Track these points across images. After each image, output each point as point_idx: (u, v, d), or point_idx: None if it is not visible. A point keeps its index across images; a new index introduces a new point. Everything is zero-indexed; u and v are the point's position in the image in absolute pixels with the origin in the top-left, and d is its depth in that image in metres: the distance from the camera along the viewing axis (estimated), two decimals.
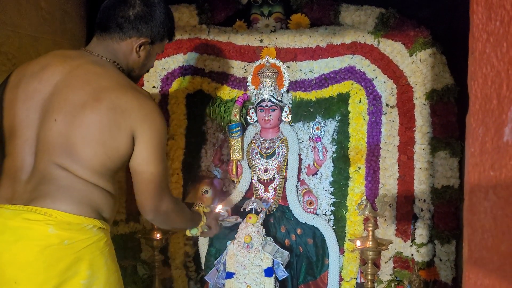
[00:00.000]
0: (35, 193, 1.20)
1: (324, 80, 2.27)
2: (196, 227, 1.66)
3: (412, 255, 2.18)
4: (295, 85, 2.33)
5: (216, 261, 2.13)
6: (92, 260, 1.20)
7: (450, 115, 2.06)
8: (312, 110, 2.31)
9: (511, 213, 0.42)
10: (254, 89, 2.34)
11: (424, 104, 2.11)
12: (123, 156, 1.27)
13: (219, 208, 1.91)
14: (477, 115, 0.52)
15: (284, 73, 2.30)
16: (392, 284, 2.20)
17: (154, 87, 2.30)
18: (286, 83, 2.30)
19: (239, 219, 1.95)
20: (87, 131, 1.21)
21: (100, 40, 1.37)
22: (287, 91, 2.34)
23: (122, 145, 1.24)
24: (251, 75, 2.33)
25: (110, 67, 1.34)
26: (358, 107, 2.21)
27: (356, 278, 2.22)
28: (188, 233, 1.72)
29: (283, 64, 2.29)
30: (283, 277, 2.01)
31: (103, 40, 1.37)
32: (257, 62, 2.32)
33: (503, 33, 0.43)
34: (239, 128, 2.28)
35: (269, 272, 1.96)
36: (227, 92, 2.35)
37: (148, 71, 1.60)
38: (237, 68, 2.35)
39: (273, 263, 1.98)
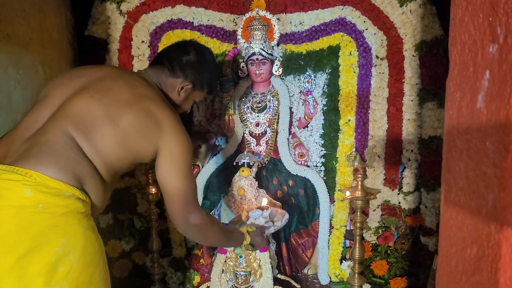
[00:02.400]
0: (25, 154, 1.19)
1: (315, 33, 2.25)
2: (239, 246, 1.66)
3: (399, 202, 2.27)
4: (285, 38, 2.31)
5: (210, 213, 2.21)
6: (68, 229, 1.16)
7: (438, 66, 2.08)
8: (302, 63, 2.31)
9: (480, 174, 0.46)
10: (244, 42, 2.32)
11: (413, 56, 2.12)
12: (134, 158, 1.35)
13: (264, 204, 1.89)
14: (456, 80, 0.55)
15: (274, 25, 2.27)
16: (380, 231, 2.31)
17: (143, 41, 2.27)
18: (276, 36, 2.28)
19: (286, 215, 1.89)
20: (118, 122, 1.30)
21: (152, 69, 1.56)
22: (278, 44, 2.33)
23: (142, 149, 1.34)
24: (241, 28, 2.30)
25: (155, 86, 1.51)
26: (348, 60, 2.21)
27: (345, 226, 2.31)
28: (232, 252, 1.75)
29: (273, 16, 2.26)
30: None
31: (154, 69, 1.55)
32: (247, 15, 2.29)
33: (480, 4, 0.45)
34: (230, 83, 2.29)
35: None
36: (217, 46, 2.33)
37: (180, 113, 1.66)
38: (227, 21, 2.32)
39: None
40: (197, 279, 2.26)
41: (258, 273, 2.04)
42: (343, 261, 2.30)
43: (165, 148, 1.36)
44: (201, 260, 2.32)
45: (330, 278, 2.29)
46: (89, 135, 1.27)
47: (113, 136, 1.29)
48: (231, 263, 2.05)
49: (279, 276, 2.18)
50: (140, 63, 2.28)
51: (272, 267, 2.07)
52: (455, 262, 0.54)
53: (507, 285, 0.41)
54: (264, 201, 1.93)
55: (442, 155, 0.61)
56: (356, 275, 2.05)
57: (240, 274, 2.03)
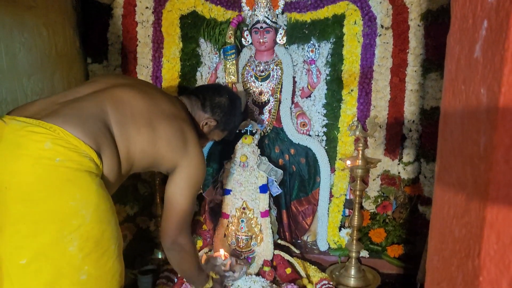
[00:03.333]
0: (54, 112, 1.24)
1: (320, 1, 2.24)
2: (201, 287, 1.72)
3: (399, 172, 2.30)
4: (290, 6, 2.30)
5: (213, 180, 2.25)
6: (83, 184, 1.20)
7: (443, 36, 2.05)
8: (307, 32, 2.30)
9: (474, 120, 0.48)
10: (249, 10, 2.31)
11: (418, 25, 2.11)
12: (154, 161, 1.43)
13: (222, 253, 1.95)
14: (456, 34, 0.56)
15: None
16: (379, 200, 2.35)
17: (147, 7, 2.27)
18: (281, 3, 2.28)
19: (244, 268, 1.93)
20: (155, 125, 1.39)
21: (187, 98, 1.69)
22: (282, 12, 2.32)
23: (165, 158, 1.44)
24: None
25: (188, 113, 1.64)
26: (353, 29, 2.20)
27: (345, 195, 2.35)
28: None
29: None
30: (277, 193, 2.14)
31: (189, 99, 1.69)
32: None
33: None
34: (234, 51, 2.29)
35: (263, 189, 2.08)
36: (221, 13, 2.33)
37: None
38: None
39: (267, 180, 2.09)
40: (199, 243, 2.32)
41: (259, 237, 2.10)
42: (341, 228, 2.35)
43: (185, 166, 1.47)
44: (204, 226, 2.38)
45: (328, 244, 2.35)
46: (125, 119, 1.34)
47: (147, 132, 1.38)
48: (233, 228, 2.11)
49: (279, 241, 2.23)
50: (144, 29, 2.28)
51: (272, 232, 2.13)
52: (447, 207, 0.57)
53: (493, 220, 0.44)
54: (222, 251, 1.98)
55: (440, 109, 0.63)
56: (354, 242, 2.11)
57: (241, 238, 2.08)
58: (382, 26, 2.18)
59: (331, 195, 2.35)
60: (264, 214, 2.09)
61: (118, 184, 1.41)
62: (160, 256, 2.26)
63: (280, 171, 2.10)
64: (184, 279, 1.90)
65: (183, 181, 1.47)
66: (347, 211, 2.39)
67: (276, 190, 2.12)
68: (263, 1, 2.24)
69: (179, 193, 1.47)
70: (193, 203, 1.54)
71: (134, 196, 2.39)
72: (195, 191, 1.52)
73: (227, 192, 2.12)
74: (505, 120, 0.41)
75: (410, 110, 2.22)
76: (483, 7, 0.46)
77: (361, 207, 2.25)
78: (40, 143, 1.16)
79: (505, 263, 0.45)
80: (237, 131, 2.17)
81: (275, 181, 2.09)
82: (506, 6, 0.40)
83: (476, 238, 0.47)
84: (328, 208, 2.34)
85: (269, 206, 2.12)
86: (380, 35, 2.19)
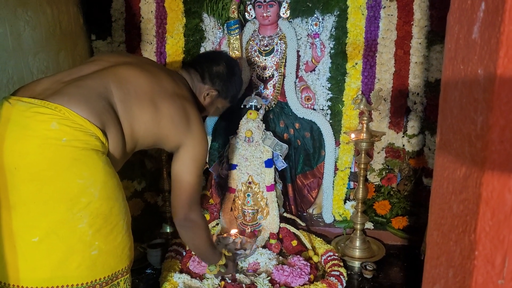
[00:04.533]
0: (60, 91, 1.26)
1: None
2: (214, 264, 1.75)
3: (403, 145, 2.32)
4: None
5: (219, 155, 2.28)
6: (89, 163, 1.23)
7: (448, 7, 2.04)
8: (310, 5, 2.28)
9: (472, 100, 0.50)
10: None
11: None
12: (159, 139, 1.46)
13: (233, 232, 2.00)
14: (455, 13, 0.57)
15: None
16: (384, 172, 2.38)
17: None
18: None
19: (255, 245, 1.97)
20: (159, 104, 1.41)
21: (186, 71, 1.71)
22: None
23: (169, 137, 1.47)
24: None
25: (188, 87, 1.66)
26: (357, 1, 2.18)
27: (350, 168, 2.38)
28: (207, 271, 1.81)
29: None
30: (282, 168, 2.17)
31: (188, 72, 1.71)
32: None
33: None
34: (237, 25, 2.28)
35: (269, 163, 2.11)
36: None
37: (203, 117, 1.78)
38: None
39: (272, 155, 2.12)
40: (207, 217, 2.37)
41: (265, 211, 2.14)
42: (346, 201, 2.39)
43: (189, 145, 1.50)
44: (210, 200, 2.42)
45: (334, 217, 2.39)
46: (129, 97, 1.36)
47: (150, 110, 1.40)
48: (239, 202, 2.15)
49: (285, 214, 2.28)
50: (147, 5, 2.28)
51: (278, 205, 2.17)
52: (447, 183, 0.59)
53: (488, 198, 0.47)
54: (233, 231, 2.03)
55: (441, 87, 0.64)
56: (359, 214, 2.15)
57: (248, 212, 2.13)
58: None
59: (336, 168, 2.38)
60: (270, 188, 2.13)
61: (124, 161, 1.45)
62: (168, 230, 2.32)
63: (285, 146, 2.12)
64: (195, 255, 1.95)
65: (188, 159, 1.50)
66: (352, 183, 2.42)
67: (281, 164, 2.14)
68: None
69: (185, 171, 1.51)
70: (200, 179, 1.57)
71: (141, 171, 2.43)
72: (200, 167, 1.55)
73: (233, 167, 2.15)
74: (501, 102, 0.43)
75: (414, 82, 2.22)
76: None
77: (366, 180, 2.28)
78: (46, 123, 1.18)
79: (500, 238, 0.47)
80: (242, 106, 2.18)
81: (280, 155, 2.11)
82: None
83: (473, 214, 0.50)
84: (333, 181, 2.37)
85: (275, 180, 2.15)
86: (384, 7, 2.17)
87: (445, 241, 0.59)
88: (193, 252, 1.97)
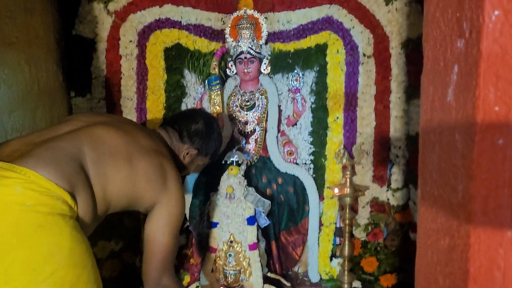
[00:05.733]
0: (28, 153, 1.20)
1: (302, 31, 2.26)
2: None
3: (388, 199, 2.28)
4: (273, 37, 2.32)
5: (199, 212, 2.21)
6: (55, 228, 1.16)
7: None
8: (290, 61, 2.32)
9: (450, 166, 0.47)
10: (233, 41, 2.32)
11: (399, 53, 2.13)
12: (133, 200, 1.40)
13: None
14: (429, 75, 0.56)
15: (262, 24, 2.28)
16: (369, 227, 2.32)
17: (131, 41, 2.26)
18: (264, 34, 2.29)
19: None
20: (134, 162, 1.37)
21: (164, 130, 1.68)
22: (266, 43, 2.33)
23: (144, 196, 1.41)
24: (229, 27, 2.31)
25: (167, 146, 1.62)
26: (335, 58, 2.22)
27: (335, 223, 2.32)
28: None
29: (261, 15, 2.27)
30: (265, 225, 2.10)
31: (166, 131, 1.68)
32: (235, 14, 2.29)
33: (449, 0, 0.46)
34: (218, 81, 2.29)
35: (251, 220, 2.05)
36: (205, 45, 2.33)
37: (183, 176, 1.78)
38: (215, 20, 2.32)
39: (255, 212, 2.06)
40: (186, 278, 2.26)
41: (247, 271, 2.05)
42: (333, 258, 2.31)
43: (164, 203, 1.44)
44: (191, 260, 2.32)
45: (320, 275, 2.30)
46: (103, 157, 1.32)
47: (125, 170, 1.35)
48: (221, 262, 2.06)
49: (269, 274, 2.18)
50: (128, 62, 2.28)
51: (261, 265, 2.08)
52: (431, 253, 0.55)
53: (476, 275, 0.42)
54: None
55: (419, 150, 0.62)
56: (346, 273, 2.07)
57: (229, 273, 2.03)
58: (364, 55, 2.20)
59: (321, 224, 2.32)
60: (253, 247, 2.05)
61: (95, 224, 1.38)
62: None
63: (267, 202, 2.07)
64: None
65: (163, 219, 1.43)
66: (337, 239, 2.35)
67: (264, 221, 2.08)
68: (247, 32, 2.25)
69: (159, 232, 1.42)
70: (176, 241, 1.48)
71: (119, 230, 2.33)
72: (176, 227, 1.47)
73: (214, 225, 2.08)
74: (481, 170, 0.40)
75: (395, 136, 2.22)
76: (452, 51, 0.46)
77: (352, 236, 2.22)
78: (10, 187, 1.12)
79: None
80: (223, 162, 2.15)
81: (263, 212, 2.05)
82: (474, 53, 0.39)
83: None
84: (318, 238, 2.31)
85: (258, 238, 2.08)
86: (362, 63, 2.21)
87: None
88: None
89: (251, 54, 2.25)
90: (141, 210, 1.49)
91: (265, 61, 2.31)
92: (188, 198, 2.32)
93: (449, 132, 0.47)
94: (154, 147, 1.49)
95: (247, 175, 2.19)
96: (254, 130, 2.34)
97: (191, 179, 2.30)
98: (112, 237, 2.29)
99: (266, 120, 2.33)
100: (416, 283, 0.62)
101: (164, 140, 1.64)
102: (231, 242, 2.05)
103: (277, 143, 2.34)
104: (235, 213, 2.03)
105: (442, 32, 0.49)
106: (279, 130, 2.37)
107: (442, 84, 0.49)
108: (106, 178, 1.32)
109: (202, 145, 1.72)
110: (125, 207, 1.45)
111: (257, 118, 2.33)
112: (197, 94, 2.42)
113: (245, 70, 2.27)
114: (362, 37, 2.18)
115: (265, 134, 2.34)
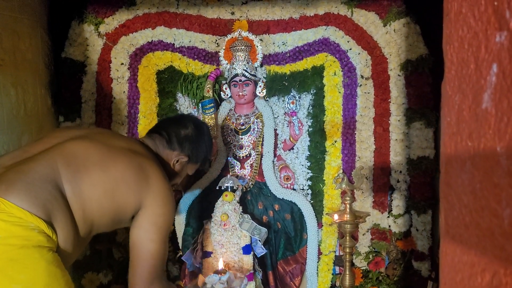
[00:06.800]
0: None
1: (298, 53, 2.22)
2: None
3: (389, 226, 2.19)
4: (268, 59, 2.27)
5: (193, 241, 2.11)
6: (28, 263, 1.06)
7: (424, 85, 2.05)
8: (286, 84, 2.27)
9: (491, 186, 0.39)
10: (227, 63, 2.27)
11: (398, 75, 2.09)
12: (116, 213, 1.28)
13: (221, 266, 1.82)
14: (453, 81, 0.48)
15: (257, 46, 2.24)
16: (370, 256, 2.22)
17: (122, 64, 2.21)
18: (259, 56, 2.24)
19: (245, 280, 1.81)
20: (110, 169, 1.26)
21: (149, 138, 1.54)
22: (261, 65, 2.29)
23: (126, 203, 1.28)
24: (223, 49, 2.26)
25: (152, 153, 1.48)
26: (333, 80, 2.17)
27: (334, 251, 2.22)
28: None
29: (256, 37, 2.23)
30: (262, 254, 2.00)
31: (152, 139, 1.53)
32: (229, 36, 2.25)
33: None
34: (212, 105, 2.22)
35: (247, 249, 1.94)
36: (199, 68, 2.28)
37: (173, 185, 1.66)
38: (209, 42, 2.27)
39: (251, 240, 1.96)
40: None
41: None
42: None
43: (149, 206, 1.29)
44: None
45: None
46: (78, 175, 1.21)
47: (102, 182, 1.23)
48: None
49: None
50: (119, 85, 2.21)
51: None
52: None
53: None
54: (221, 263, 1.83)
55: (440, 168, 0.54)
56: None
57: None
58: (362, 77, 2.15)
59: (320, 253, 2.22)
60: (249, 278, 1.93)
61: (80, 249, 1.26)
62: None
63: (264, 230, 1.98)
64: None
65: (149, 223, 1.28)
66: (337, 269, 2.24)
67: (260, 250, 1.98)
68: (241, 54, 2.20)
69: (145, 237, 1.27)
70: (165, 246, 1.32)
71: (108, 262, 2.22)
72: (164, 232, 1.31)
73: (208, 254, 1.98)
74: None
75: (396, 160, 2.15)
76: (489, 48, 0.38)
77: (352, 265, 2.12)
78: None
79: None
80: (217, 188, 2.06)
81: (259, 240, 1.95)
82: None
83: None
84: (317, 267, 2.20)
85: (254, 269, 1.97)
86: (360, 85, 2.16)
87: None
88: None
89: (246, 76, 2.20)
90: (128, 223, 1.34)
91: (260, 83, 2.26)
92: (181, 226, 2.22)
93: (486, 146, 0.39)
94: (131, 148, 1.36)
95: (242, 201, 2.10)
96: (250, 154, 2.26)
97: (184, 206, 2.20)
98: (101, 269, 2.17)
99: (262, 145, 2.26)
100: None
101: (149, 147, 1.50)
102: None
103: (274, 168, 2.26)
104: (230, 242, 1.93)
105: (471, 29, 0.42)
106: (275, 155, 2.30)
107: (473, 90, 0.42)
108: (83, 197, 1.20)
109: (192, 151, 1.57)
110: (110, 225, 1.32)
111: (252, 142, 2.26)
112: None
113: (240, 93, 2.21)
114: (360, 59, 2.13)
115: (261, 159, 2.26)
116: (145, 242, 1.27)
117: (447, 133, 0.50)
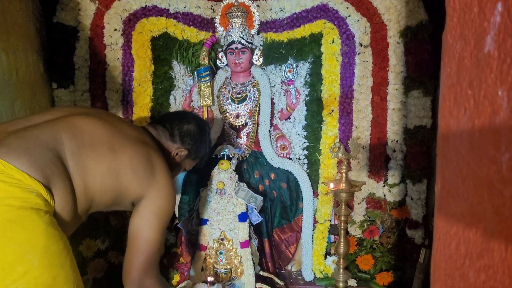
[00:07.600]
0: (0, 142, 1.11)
1: (296, 20, 2.17)
2: None
3: (385, 195, 2.20)
4: (265, 26, 2.22)
5: (189, 209, 2.11)
6: (27, 224, 1.05)
7: (424, 53, 2.01)
8: (284, 52, 2.22)
9: (490, 133, 0.37)
10: (223, 30, 2.22)
11: (398, 43, 2.05)
12: (117, 195, 1.29)
13: (210, 280, 1.84)
14: (455, 29, 0.46)
15: (254, 13, 2.18)
16: (365, 224, 2.24)
17: (116, 29, 2.16)
18: (256, 23, 2.20)
19: None
20: (118, 151, 1.27)
21: (153, 128, 1.57)
22: (258, 32, 2.24)
23: (129, 188, 1.30)
24: (219, 15, 2.21)
25: (156, 142, 1.52)
26: (331, 48, 2.13)
27: (330, 220, 2.23)
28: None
29: (252, 3, 2.18)
30: (258, 222, 2.01)
31: (155, 129, 1.57)
32: (225, 1, 2.19)
33: None
34: (208, 72, 2.19)
35: (243, 217, 1.95)
36: (194, 34, 2.23)
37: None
38: (204, 8, 2.22)
39: (247, 208, 1.97)
40: (176, 278, 2.15)
41: (239, 270, 1.96)
42: (327, 256, 2.23)
43: (152, 196, 1.33)
44: (181, 259, 2.21)
45: (314, 274, 2.21)
46: (83, 149, 1.21)
47: (108, 159, 1.25)
48: (211, 260, 1.96)
49: (261, 273, 2.09)
50: (113, 52, 2.17)
51: (254, 264, 1.99)
52: (456, 243, 0.46)
53: None
54: (210, 279, 1.84)
55: (438, 123, 0.52)
56: (341, 271, 1.97)
57: (220, 271, 1.94)
58: (360, 45, 2.11)
59: (315, 221, 2.23)
60: (244, 245, 1.95)
61: (76, 224, 1.27)
62: None
63: (260, 198, 1.98)
64: None
65: (150, 213, 1.32)
66: (332, 237, 2.26)
67: (256, 218, 1.99)
68: (238, 21, 2.15)
69: (146, 227, 1.31)
70: (162, 238, 1.38)
71: (105, 229, 2.23)
72: (163, 224, 1.36)
73: (204, 222, 1.98)
74: None
75: (393, 129, 2.14)
76: None
77: (347, 233, 2.13)
78: None
79: None
80: (213, 156, 2.05)
81: (255, 208, 1.96)
82: None
83: (503, 287, 0.36)
84: (312, 235, 2.22)
85: (249, 236, 1.98)
86: (359, 53, 2.12)
87: None
88: None
89: (242, 44, 2.16)
90: (127, 207, 1.38)
91: (257, 51, 2.22)
92: (175, 195, 2.22)
93: (487, 91, 0.38)
94: (140, 138, 1.39)
95: (238, 170, 2.10)
96: (246, 123, 2.25)
97: (180, 174, 2.19)
98: (99, 235, 2.19)
99: (258, 114, 2.24)
100: (433, 280, 0.53)
101: (153, 136, 1.53)
102: (222, 239, 1.95)
103: (270, 137, 2.25)
104: (226, 210, 1.94)
105: None
106: (271, 124, 2.28)
107: (475, 35, 0.40)
108: (87, 171, 1.21)
109: (193, 146, 1.62)
110: (109, 205, 1.34)
111: (248, 111, 2.24)
112: (186, 86, 2.32)
113: (236, 61, 2.17)
114: (359, 26, 2.09)
115: (257, 128, 2.24)
116: (145, 231, 1.31)
117: (446, 84, 0.49)
